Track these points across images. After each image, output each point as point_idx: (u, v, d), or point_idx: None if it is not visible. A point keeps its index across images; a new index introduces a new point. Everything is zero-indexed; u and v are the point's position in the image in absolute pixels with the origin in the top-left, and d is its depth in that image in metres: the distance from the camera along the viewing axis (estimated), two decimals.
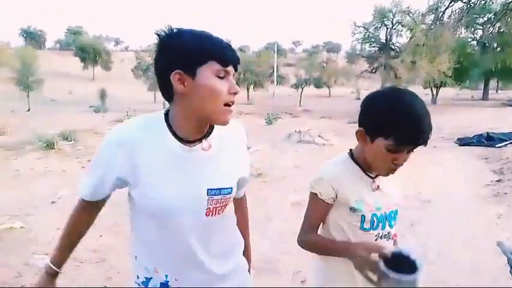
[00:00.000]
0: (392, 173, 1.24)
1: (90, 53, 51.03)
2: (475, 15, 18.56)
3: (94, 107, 24.06)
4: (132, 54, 43.92)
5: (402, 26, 27.22)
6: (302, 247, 1.34)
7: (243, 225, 1.39)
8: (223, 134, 1.18)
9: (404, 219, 4.49)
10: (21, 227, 4.23)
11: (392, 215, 1.33)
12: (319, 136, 10.83)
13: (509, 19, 13.89)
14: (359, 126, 1.23)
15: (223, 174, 1.17)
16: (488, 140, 10.48)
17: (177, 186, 1.11)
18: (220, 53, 1.06)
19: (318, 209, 1.31)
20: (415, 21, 21.99)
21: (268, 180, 6.30)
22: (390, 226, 1.33)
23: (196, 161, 1.13)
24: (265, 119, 16.57)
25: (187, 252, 1.17)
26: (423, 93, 33.38)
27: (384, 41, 28.42)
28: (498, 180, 6.53)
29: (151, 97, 31.91)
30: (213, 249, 1.21)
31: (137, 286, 1.25)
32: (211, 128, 1.16)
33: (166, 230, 1.15)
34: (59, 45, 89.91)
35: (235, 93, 1.09)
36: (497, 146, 9.89)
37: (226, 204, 1.20)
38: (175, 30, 1.09)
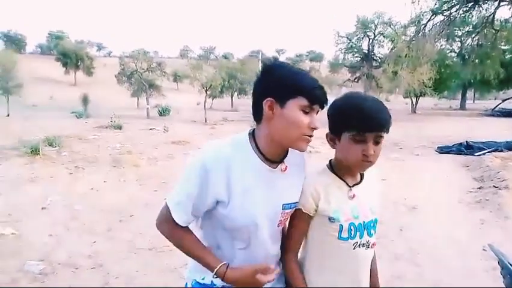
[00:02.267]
0: (368, 165, 1.29)
1: (72, 58, 50.21)
2: (455, 28, 19.17)
3: (76, 113, 23.65)
4: (115, 59, 43.44)
5: (384, 37, 27.88)
6: (284, 262, 1.41)
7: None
8: (293, 157, 1.34)
9: (393, 225, 4.63)
10: (12, 233, 4.18)
11: (371, 224, 1.35)
12: None
13: (487, 32, 14.44)
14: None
15: (294, 191, 1.33)
16: (468, 148, 10.82)
17: (262, 204, 1.26)
18: (310, 92, 1.21)
19: (301, 224, 1.36)
20: (396, 33, 22.57)
21: None
22: (369, 235, 1.34)
23: (276, 180, 1.28)
24: (251, 126, 16.63)
25: (262, 259, 1.31)
26: (404, 103, 34.20)
27: (366, 51, 29.01)
28: (479, 187, 6.76)
29: (134, 103, 31.64)
30: (275, 252, 1.39)
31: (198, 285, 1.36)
32: (287, 151, 1.32)
33: (246, 240, 1.30)
34: (40, 49, 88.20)
35: (314, 128, 1.23)
36: (476, 154, 10.22)
37: (287, 219, 1.37)
38: (278, 63, 1.28)
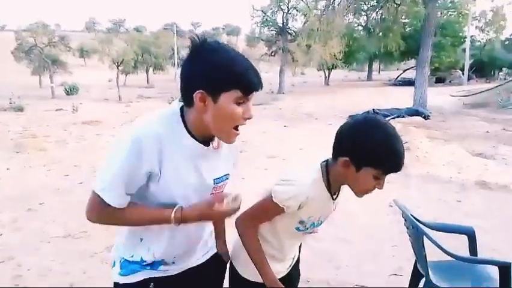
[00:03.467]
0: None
1: None
2: (361, 2, 20.23)
3: None
4: (10, 34, 38.77)
5: (297, 10, 28.44)
6: (241, 233, 1.42)
7: None
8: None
9: None
10: None
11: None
12: None
13: (389, 7, 15.48)
14: (342, 155, 1.29)
15: (225, 165, 1.33)
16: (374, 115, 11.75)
17: (193, 179, 1.23)
18: (246, 83, 1.14)
19: (273, 214, 1.38)
20: (308, 7, 23.17)
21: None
22: (319, 226, 1.48)
23: (207, 157, 1.26)
24: (169, 103, 16.19)
25: (193, 232, 1.33)
26: (318, 75, 35.77)
27: (281, 25, 29.44)
28: None
29: (35, 82, 28.77)
30: (206, 229, 1.43)
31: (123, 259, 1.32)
32: None
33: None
34: None
35: (248, 118, 1.19)
36: None
37: (222, 190, 1.36)
38: (207, 47, 1.14)
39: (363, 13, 25.98)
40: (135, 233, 1.29)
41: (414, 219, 2.20)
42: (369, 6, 22.36)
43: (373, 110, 12.11)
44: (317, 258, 3.16)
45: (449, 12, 28.05)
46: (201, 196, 1.26)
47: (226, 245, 1.55)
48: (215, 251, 1.50)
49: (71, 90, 22.79)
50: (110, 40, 25.29)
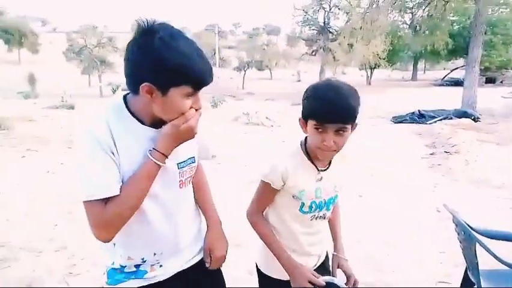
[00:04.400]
0: (329, 154, 1.34)
1: (14, 35, 46.67)
2: (406, 0, 19.65)
3: (23, 93, 22.30)
4: (61, 35, 40.95)
5: (339, 9, 28.05)
6: (250, 222, 1.51)
7: (202, 185, 1.49)
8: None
9: (353, 192, 4.82)
10: None
11: (332, 201, 1.49)
12: (266, 118, 11.05)
13: (437, 3, 14.91)
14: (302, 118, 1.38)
15: (186, 148, 1.25)
16: (420, 117, 11.35)
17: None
18: (197, 79, 1.09)
19: (268, 195, 1.45)
20: (351, 5, 22.77)
21: (222, 162, 6.37)
22: (327, 209, 1.48)
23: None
24: (210, 102, 16.46)
25: (166, 226, 1.26)
26: (359, 75, 35.04)
27: (322, 24, 29.14)
28: (431, 153, 7.16)
29: (85, 81, 30.21)
30: (182, 220, 1.32)
31: (111, 270, 1.29)
32: None
33: (144, 209, 1.19)
34: None
35: (197, 109, 1.17)
36: (428, 122, 10.76)
37: (193, 174, 1.33)
38: (157, 35, 1.05)
39: (409, 10, 25.17)
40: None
41: (466, 225, 2.12)
42: (415, 3, 21.64)
43: (418, 111, 11.72)
44: (361, 262, 3.11)
45: (501, 9, 26.56)
46: (168, 184, 1.22)
47: (216, 238, 1.45)
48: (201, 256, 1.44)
49: (117, 89, 23.74)
50: None
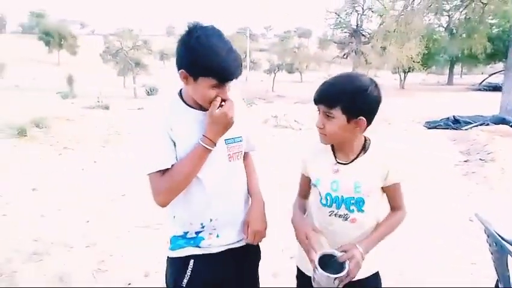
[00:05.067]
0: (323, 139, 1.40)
1: (55, 37, 48.77)
2: (443, 2, 19.06)
3: (61, 93, 23.18)
4: (98, 38, 42.37)
5: (372, 11, 27.61)
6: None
7: (250, 170, 1.66)
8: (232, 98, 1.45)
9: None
10: (3, 215, 4.16)
11: (352, 201, 1.42)
12: (295, 121, 11.00)
13: (475, 6, 14.38)
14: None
15: (232, 129, 1.42)
16: (455, 123, 10.96)
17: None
18: (222, 73, 1.29)
19: (301, 180, 1.60)
20: (385, 7, 22.36)
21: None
22: (348, 209, 1.42)
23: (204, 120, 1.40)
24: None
25: (219, 195, 1.44)
26: (392, 78, 34.30)
27: (355, 27, 28.77)
28: (466, 161, 6.90)
29: (120, 82, 31.08)
30: (235, 191, 1.51)
31: (175, 240, 1.49)
32: None
33: (201, 178, 1.41)
34: (21, 28, 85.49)
35: (223, 100, 1.36)
36: (463, 128, 10.38)
37: (241, 151, 1.53)
38: (195, 32, 1.29)
39: (445, 13, 24.43)
40: (168, 213, 1.47)
41: (498, 236, 2.03)
42: (452, 5, 20.96)
43: (453, 116, 11.32)
44: (389, 269, 3.04)
45: None
46: (218, 159, 1.42)
47: (255, 213, 1.56)
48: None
49: (151, 91, 24.30)
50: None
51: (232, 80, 1.32)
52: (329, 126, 1.34)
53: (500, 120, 10.79)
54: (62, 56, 50.65)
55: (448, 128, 10.65)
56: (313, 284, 1.34)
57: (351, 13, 28.94)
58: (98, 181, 5.41)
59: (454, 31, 23.79)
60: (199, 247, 1.46)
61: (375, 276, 1.54)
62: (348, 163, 1.41)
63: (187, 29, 1.31)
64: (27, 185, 5.14)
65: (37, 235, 3.67)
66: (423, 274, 3.11)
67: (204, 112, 1.40)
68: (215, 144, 1.37)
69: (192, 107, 1.41)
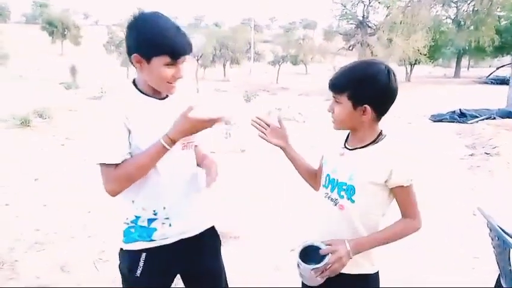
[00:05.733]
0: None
1: (58, 27, 48.62)
2: None
3: (65, 84, 23.20)
4: (102, 28, 42.22)
5: (379, 3, 27.28)
6: None
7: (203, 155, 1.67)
8: (184, 89, 1.51)
9: None
10: (6, 204, 4.17)
11: (343, 187, 1.39)
12: (299, 113, 10.94)
13: None
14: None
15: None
16: (461, 116, 10.86)
17: (156, 132, 1.36)
18: (173, 49, 1.32)
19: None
20: None
21: (253, 157, 6.38)
22: (339, 195, 1.40)
23: (167, 110, 1.43)
24: (244, 97, 16.50)
25: (172, 182, 1.45)
26: (398, 71, 33.93)
27: (361, 18, 28.48)
28: (471, 154, 6.84)
29: (123, 73, 31.06)
30: (188, 180, 1.51)
31: (126, 225, 1.49)
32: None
33: (156, 165, 1.40)
34: (25, 18, 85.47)
35: (178, 78, 1.39)
36: (469, 122, 10.28)
37: (194, 141, 1.54)
38: (141, 16, 1.35)
39: (453, 4, 24.12)
40: (126, 197, 1.44)
41: (500, 230, 2.01)
42: None
43: (459, 109, 11.21)
44: (392, 264, 3.02)
45: None
46: (173, 149, 1.39)
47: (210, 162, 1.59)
48: (212, 224, 1.62)
49: None
50: (191, 35, 26.37)
51: (183, 55, 1.35)
52: (337, 112, 1.37)
53: (507, 114, 10.68)
54: (66, 46, 50.55)
55: (453, 122, 10.55)
56: (299, 276, 1.36)
57: (357, 4, 28.60)
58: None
59: (462, 23, 23.52)
60: (152, 240, 1.46)
61: (375, 276, 1.48)
62: (352, 149, 1.40)
63: (131, 17, 1.35)
64: (30, 175, 5.16)
65: (39, 225, 3.68)
66: (425, 268, 3.09)
67: (158, 100, 1.43)
68: (174, 144, 1.37)
69: (147, 95, 1.43)
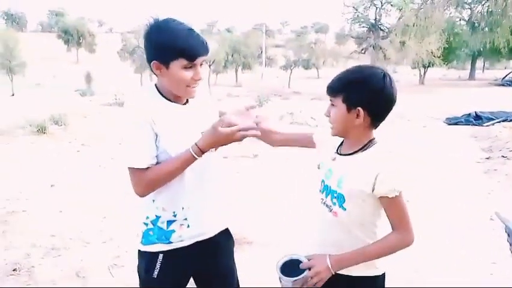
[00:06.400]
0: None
1: (73, 35, 49.61)
2: None
3: (80, 91, 23.60)
4: (116, 36, 42.84)
5: (391, 5, 27.14)
6: None
7: None
8: (200, 94, 1.50)
9: None
10: (23, 211, 4.24)
11: (335, 195, 1.37)
12: (311, 118, 10.92)
13: None
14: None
15: (209, 121, 1.40)
16: (477, 119, 10.69)
17: (181, 135, 1.41)
18: (189, 51, 1.34)
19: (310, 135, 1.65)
20: (404, 1, 21.95)
21: (265, 162, 6.37)
22: (332, 202, 1.39)
23: (189, 115, 1.46)
24: (256, 102, 16.51)
25: (193, 182, 1.47)
26: (412, 74, 33.66)
27: (373, 21, 28.35)
28: (487, 158, 6.72)
29: (137, 80, 31.43)
30: (209, 181, 1.53)
31: (145, 227, 1.50)
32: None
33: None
34: (41, 27, 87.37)
35: (198, 80, 1.40)
36: (485, 124, 10.11)
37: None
38: (154, 24, 1.37)
39: (467, 6, 23.81)
40: (148, 196, 1.45)
41: None
42: None
43: (475, 112, 11.04)
44: (406, 270, 2.98)
45: None
46: None
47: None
48: (226, 226, 1.63)
49: None
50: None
51: (200, 56, 1.36)
52: (332, 115, 1.38)
53: None
54: (81, 54, 51.48)
55: (469, 125, 10.39)
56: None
57: (369, 7, 28.51)
58: (115, 178, 5.47)
59: (476, 25, 23.16)
60: (170, 242, 1.48)
61: (382, 278, 1.46)
62: (343, 155, 1.40)
63: (146, 25, 1.38)
64: (46, 181, 5.24)
65: (55, 231, 3.73)
66: (442, 273, 3.04)
67: (181, 105, 1.46)
68: (203, 154, 1.38)
69: (169, 100, 1.45)
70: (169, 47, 1.33)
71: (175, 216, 1.47)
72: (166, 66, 1.36)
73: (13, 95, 22.86)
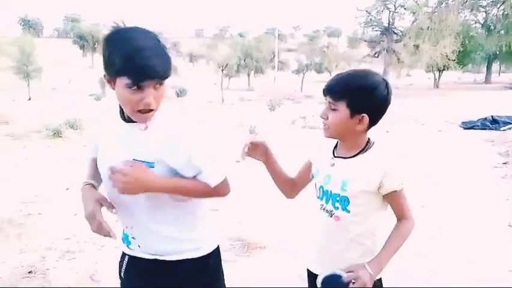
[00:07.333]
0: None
1: (89, 40, 50.49)
2: None
3: (94, 95, 23.91)
4: None
5: (405, 9, 26.94)
6: None
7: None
8: (167, 124, 1.30)
9: (414, 202, 4.55)
10: (39, 214, 4.30)
11: (337, 198, 1.39)
12: None
13: None
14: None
15: (150, 151, 1.27)
16: (493, 123, 10.50)
17: (109, 157, 1.32)
18: (132, 71, 1.15)
19: (303, 168, 1.65)
20: (418, 4, 21.76)
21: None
22: (333, 206, 1.40)
23: (133, 138, 1.29)
24: (268, 106, 16.52)
25: (127, 205, 1.35)
26: (426, 77, 33.28)
27: (386, 25, 28.15)
28: (505, 163, 6.58)
29: None
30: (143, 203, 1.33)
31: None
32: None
33: (108, 188, 1.39)
34: (57, 33, 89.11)
35: (147, 105, 1.20)
36: (502, 129, 9.94)
37: None
38: (110, 33, 1.23)
39: (482, 9, 23.50)
40: None
41: None
42: (489, 1, 20.16)
43: (491, 116, 10.85)
44: (422, 278, 2.92)
45: None
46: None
47: None
48: (195, 256, 1.39)
49: (180, 93, 24.69)
50: (216, 46, 26.76)
51: (146, 79, 1.16)
52: (332, 118, 1.36)
53: None
54: (96, 59, 52.24)
55: (485, 129, 10.22)
56: None
57: (382, 11, 28.38)
58: None
59: (491, 27, 22.82)
60: (131, 249, 1.44)
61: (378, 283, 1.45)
62: (343, 159, 1.41)
63: (108, 32, 1.26)
64: (62, 184, 5.31)
65: (70, 234, 3.76)
66: (459, 280, 2.97)
67: (130, 128, 1.29)
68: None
69: (125, 119, 1.30)
70: (114, 60, 1.18)
71: (125, 232, 1.44)
72: (113, 82, 1.22)
73: (30, 99, 23.27)
